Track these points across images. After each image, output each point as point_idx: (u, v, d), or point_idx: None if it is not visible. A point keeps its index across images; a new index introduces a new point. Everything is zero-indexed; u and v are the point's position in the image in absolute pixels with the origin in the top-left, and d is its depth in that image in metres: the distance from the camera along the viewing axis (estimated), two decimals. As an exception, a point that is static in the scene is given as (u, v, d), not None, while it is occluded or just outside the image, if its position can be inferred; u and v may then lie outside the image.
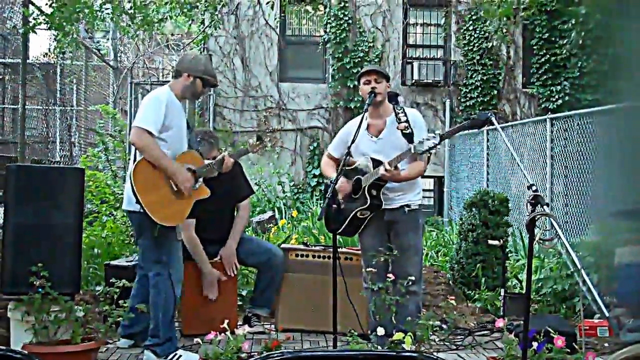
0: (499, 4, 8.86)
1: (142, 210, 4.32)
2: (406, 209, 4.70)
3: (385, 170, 4.44)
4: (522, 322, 3.81)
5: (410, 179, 4.63)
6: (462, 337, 5.43)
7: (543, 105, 12.90)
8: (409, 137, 4.56)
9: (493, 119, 4.56)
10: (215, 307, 5.25)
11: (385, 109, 4.78)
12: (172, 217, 4.44)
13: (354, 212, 4.65)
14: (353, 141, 4.53)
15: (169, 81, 4.85)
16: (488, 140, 10.63)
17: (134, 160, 4.44)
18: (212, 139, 5.46)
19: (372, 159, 4.62)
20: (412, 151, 4.42)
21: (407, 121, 4.63)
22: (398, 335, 3.91)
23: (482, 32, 12.91)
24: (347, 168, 4.72)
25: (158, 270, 4.50)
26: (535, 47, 12.99)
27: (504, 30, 11.46)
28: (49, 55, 11.31)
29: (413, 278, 4.52)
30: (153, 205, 4.32)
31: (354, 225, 4.71)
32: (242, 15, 13.04)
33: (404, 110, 4.76)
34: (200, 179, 4.61)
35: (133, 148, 4.53)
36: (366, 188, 4.59)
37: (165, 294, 4.50)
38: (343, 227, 4.71)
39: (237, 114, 12.83)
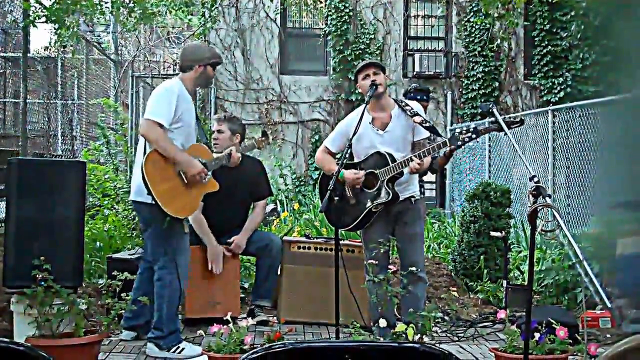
0: None
1: (152, 202, 4.33)
2: (412, 199, 4.74)
3: (417, 163, 4.45)
4: (524, 313, 3.82)
5: (424, 169, 4.71)
6: (464, 328, 5.44)
7: (545, 97, 12.88)
8: (432, 130, 4.60)
9: (494, 110, 4.56)
10: (218, 291, 5.31)
11: (387, 102, 4.77)
12: (183, 209, 4.46)
13: (369, 207, 4.65)
14: (355, 134, 4.52)
15: (170, 74, 4.86)
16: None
17: (144, 152, 4.43)
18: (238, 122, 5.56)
19: (387, 153, 4.62)
20: (449, 144, 4.44)
21: (417, 114, 4.63)
22: (400, 327, 3.91)
23: (484, 24, 12.89)
24: (348, 162, 4.68)
25: (164, 263, 4.51)
26: (536, 39, 12.97)
27: (505, 28, 11.36)
28: (50, 49, 11.29)
29: (422, 265, 4.69)
30: (164, 197, 4.33)
31: (364, 220, 4.71)
32: (243, 8, 13.02)
33: (406, 103, 4.76)
34: (210, 173, 4.62)
35: (142, 140, 4.52)
36: (385, 182, 4.60)
37: (170, 287, 4.52)
38: (356, 222, 4.71)
39: (238, 107, 12.82)
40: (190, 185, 4.47)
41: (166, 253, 4.50)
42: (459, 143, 4.39)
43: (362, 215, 4.68)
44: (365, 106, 4.64)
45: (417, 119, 4.61)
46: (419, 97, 5.59)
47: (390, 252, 4.93)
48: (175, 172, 4.43)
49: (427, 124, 4.60)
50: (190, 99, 4.65)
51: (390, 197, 4.59)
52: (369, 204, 4.65)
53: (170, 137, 4.42)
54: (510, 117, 4.84)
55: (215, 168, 4.69)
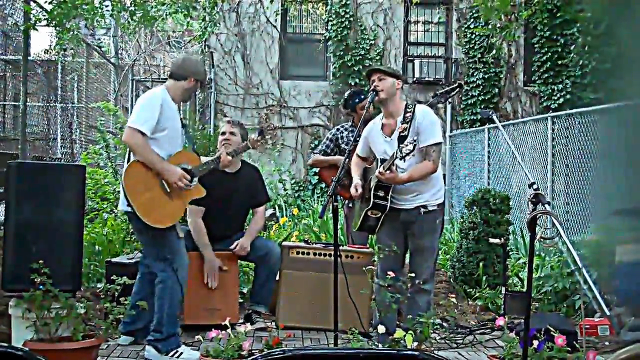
0: None
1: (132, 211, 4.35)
2: (422, 210, 4.64)
3: (379, 172, 4.44)
4: (522, 320, 3.82)
5: (413, 180, 4.54)
6: (463, 335, 5.43)
7: (544, 104, 12.89)
8: (402, 140, 4.43)
9: (494, 117, 4.56)
10: (217, 297, 5.31)
11: (396, 108, 4.69)
12: (165, 218, 4.44)
13: (364, 212, 4.68)
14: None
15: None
16: (489, 138, 10.62)
17: (128, 161, 4.45)
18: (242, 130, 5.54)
19: (381, 159, 4.62)
20: (395, 156, 4.34)
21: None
22: (399, 334, 3.91)
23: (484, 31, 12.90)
24: (367, 166, 4.86)
25: (164, 267, 4.52)
26: (536, 45, 12.99)
27: (502, 41, 11.34)
28: (50, 52, 11.30)
29: (425, 278, 4.66)
30: (145, 207, 4.34)
31: (367, 225, 4.72)
32: (243, 13, 13.04)
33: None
34: (196, 178, 4.61)
35: (128, 148, 4.54)
36: (372, 189, 4.60)
37: (171, 290, 4.52)
38: (358, 225, 4.79)
39: (238, 112, 12.82)
40: (172, 194, 4.47)
41: (165, 258, 4.51)
42: (401, 155, 4.28)
43: (361, 219, 4.73)
44: (365, 112, 4.70)
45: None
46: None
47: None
48: (157, 181, 4.43)
49: (404, 133, 4.51)
50: (175, 107, 4.66)
51: (371, 204, 4.59)
52: (364, 209, 4.71)
53: (156, 145, 4.44)
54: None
55: (203, 173, 4.68)
